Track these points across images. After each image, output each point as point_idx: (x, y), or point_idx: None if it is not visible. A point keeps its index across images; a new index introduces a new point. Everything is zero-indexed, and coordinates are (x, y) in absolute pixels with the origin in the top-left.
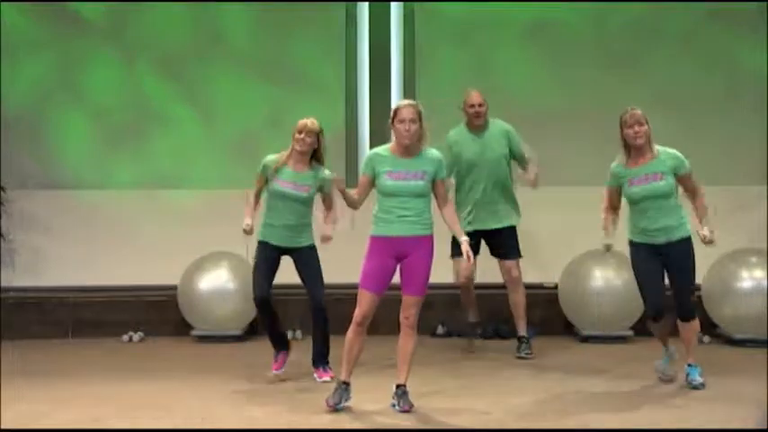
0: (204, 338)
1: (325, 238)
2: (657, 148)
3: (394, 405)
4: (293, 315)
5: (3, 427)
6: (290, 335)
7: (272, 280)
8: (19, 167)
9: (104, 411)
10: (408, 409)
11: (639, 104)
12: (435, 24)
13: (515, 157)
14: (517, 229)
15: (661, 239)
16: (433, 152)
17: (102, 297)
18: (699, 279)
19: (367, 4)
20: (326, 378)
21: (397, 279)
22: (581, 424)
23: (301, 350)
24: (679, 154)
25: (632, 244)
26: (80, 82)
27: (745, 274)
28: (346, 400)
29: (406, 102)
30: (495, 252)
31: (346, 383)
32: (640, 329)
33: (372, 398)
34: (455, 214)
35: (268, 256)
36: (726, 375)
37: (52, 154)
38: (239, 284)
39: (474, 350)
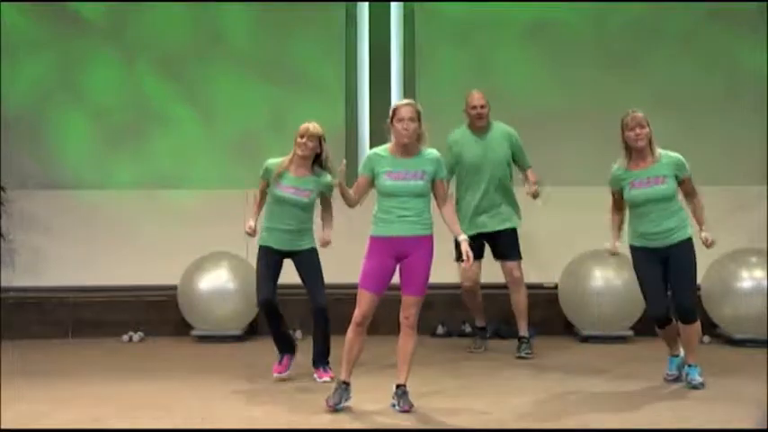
0: (204, 338)
1: (325, 243)
2: (659, 151)
3: (394, 405)
4: (293, 315)
5: (3, 427)
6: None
7: (277, 282)
8: (19, 167)
9: (104, 411)
10: (408, 409)
11: (639, 104)
12: (435, 24)
13: (516, 160)
14: (518, 230)
15: (662, 243)
16: (432, 152)
17: (102, 297)
18: (699, 279)
19: (367, 4)
20: (326, 378)
21: (396, 279)
22: (581, 424)
23: (302, 350)
24: (681, 157)
25: (633, 248)
26: (80, 82)
27: (745, 274)
28: (346, 400)
29: (405, 101)
30: (496, 253)
31: (346, 383)
32: (640, 329)
33: (372, 398)
34: (455, 214)
35: (270, 261)
36: (726, 375)
37: (52, 154)
38: (239, 284)
39: (480, 350)
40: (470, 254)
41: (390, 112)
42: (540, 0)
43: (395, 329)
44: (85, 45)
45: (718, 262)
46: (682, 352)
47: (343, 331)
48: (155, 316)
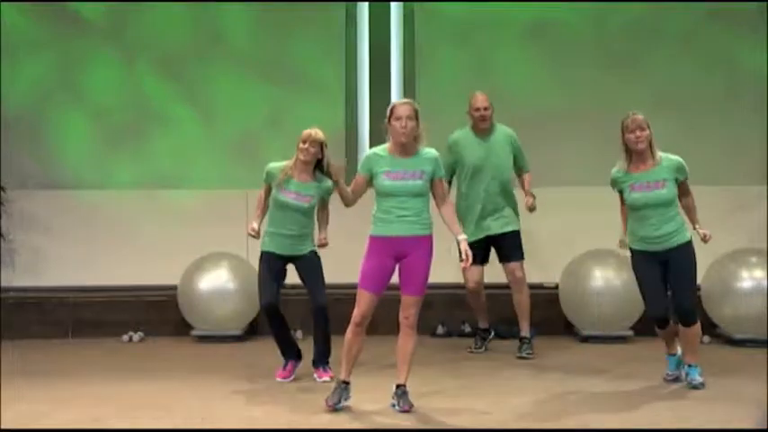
0: (204, 338)
1: (323, 244)
2: (660, 154)
3: (394, 405)
4: (294, 315)
5: (3, 427)
6: None
7: (280, 287)
8: (19, 167)
9: (104, 411)
10: (408, 409)
11: (639, 105)
12: (435, 24)
13: (515, 162)
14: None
15: (662, 247)
16: (431, 151)
17: (102, 297)
18: (699, 279)
19: (367, 4)
20: (327, 378)
21: (396, 279)
22: (581, 424)
23: (302, 350)
24: (681, 160)
25: (633, 252)
26: (80, 82)
27: (745, 274)
28: (346, 400)
29: (403, 100)
30: (500, 256)
31: (346, 383)
32: (640, 329)
33: (372, 398)
34: (454, 214)
35: (272, 266)
36: (726, 375)
37: (52, 154)
38: (239, 284)
39: (480, 350)
40: (469, 253)
41: (388, 112)
42: (540, 0)
43: (394, 329)
44: (85, 45)
45: (718, 262)
46: (679, 350)
47: (343, 331)
48: (155, 316)
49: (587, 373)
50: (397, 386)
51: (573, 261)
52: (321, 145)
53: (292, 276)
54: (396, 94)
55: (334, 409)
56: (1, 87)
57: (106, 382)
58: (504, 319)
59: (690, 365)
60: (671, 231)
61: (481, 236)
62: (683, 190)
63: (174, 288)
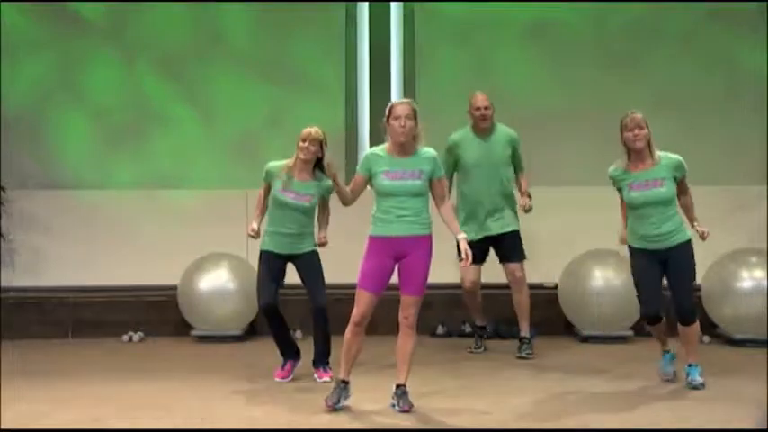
0: (204, 338)
1: (322, 243)
2: (658, 153)
3: (394, 405)
4: (293, 315)
5: (3, 427)
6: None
7: (279, 287)
8: (19, 167)
9: (104, 411)
10: (408, 409)
11: (639, 105)
12: (435, 24)
13: (514, 164)
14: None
15: (662, 245)
16: (429, 151)
17: (102, 297)
18: (699, 279)
19: (367, 4)
20: (327, 378)
21: (395, 279)
22: (581, 424)
23: (302, 350)
24: (680, 159)
25: (631, 249)
26: (80, 82)
27: (745, 274)
28: (345, 399)
29: (401, 99)
30: (500, 256)
31: (345, 382)
32: (640, 329)
33: (372, 398)
34: (453, 213)
35: (272, 266)
36: (726, 375)
37: (52, 154)
38: (239, 284)
39: (480, 350)
40: (469, 252)
41: (386, 111)
42: (540, 0)
43: (393, 329)
44: (85, 45)
45: (718, 262)
46: (671, 347)
47: (343, 331)
48: (155, 316)
49: (587, 373)
50: (397, 386)
51: (573, 261)
52: (321, 143)
53: (292, 276)
54: (396, 94)
55: (334, 408)
56: (1, 87)
57: (106, 382)
58: (504, 319)
59: (690, 365)
60: (671, 230)
61: (480, 236)
62: (681, 188)
63: (174, 288)
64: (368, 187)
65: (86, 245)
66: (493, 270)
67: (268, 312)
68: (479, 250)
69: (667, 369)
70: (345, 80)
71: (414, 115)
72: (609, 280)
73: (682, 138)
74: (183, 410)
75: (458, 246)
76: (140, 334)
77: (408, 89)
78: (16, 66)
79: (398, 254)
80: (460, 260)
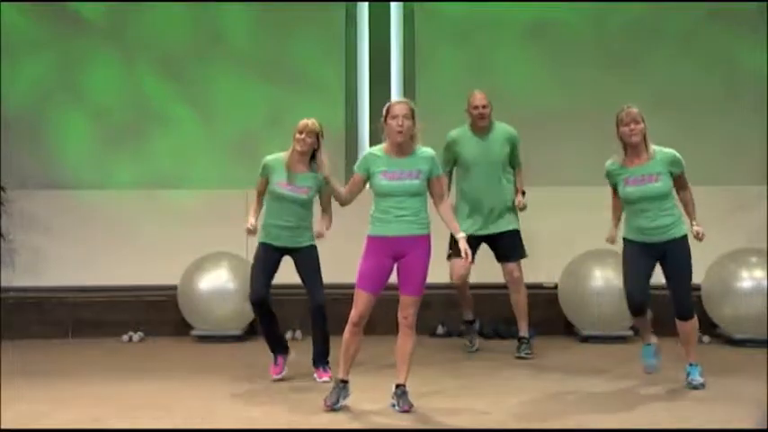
0: (204, 338)
1: (319, 235)
2: (654, 147)
3: (393, 405)
4: (293, 315)
5: (3, 427)
6: (289, 335)
7: (271, 281)
8: (19, 167)
9: (104, 411)
10: (408, 409)
11: (639, 105)
12: (435, 24)
13: (511, 163)
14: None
15: (657, 239)
16: (427, 150)
17: (102, 297)
18: (699, 279)
19: (367, 4)
20: (326, 378)
21: (394, 278)
22: (581, 424)
23: (301, 350)
24: (675, 153)
25: (626, 241)
26: (80, 82)
27: (745, 274)
28: (344, 398)
29: (399, 99)
30: (498, 255)
31: (344, 381)
32: None
33: (371, 398)
34: (452, 212)
35: (268, 258)
36: (726, 375)
37: (52, 154)
38: (239, 284)
39: (476, 347)
40: (469, 252)
41: (384, 111)
42: (540, 0)
43: (392, 329)
44: (85, 45)
45: (718, 262)
46: (654, 340)
47: (341, 331)
48: (155, 316)
49: (587, 373)
50: (397, 386)
51: (573, 261)
52: (317, 135)
53: (291, 276)
54: (396, 94)
55: (333, 408)
56: (1, 87)
57: (106, 382)
58: (503, 319)
59: (690, 364)
60: (667, 224)
61: (482, 233)
62: (680, 183)
63: (174, 288)
64: (366, 187)
65: (86, 245)
66: (492, 270)
67: (258, 306)
68: (475, 243)
69: (650, 360)
70: (345, 80)
71: (411, 115)
72: (609, 280)
73: (681, 138)
74: (183, 410)
75: (450, 243)
76: (140, 334)
77: (408, 89)
78: (16, 66)
79: (397, 254)
80: (448, 258)
